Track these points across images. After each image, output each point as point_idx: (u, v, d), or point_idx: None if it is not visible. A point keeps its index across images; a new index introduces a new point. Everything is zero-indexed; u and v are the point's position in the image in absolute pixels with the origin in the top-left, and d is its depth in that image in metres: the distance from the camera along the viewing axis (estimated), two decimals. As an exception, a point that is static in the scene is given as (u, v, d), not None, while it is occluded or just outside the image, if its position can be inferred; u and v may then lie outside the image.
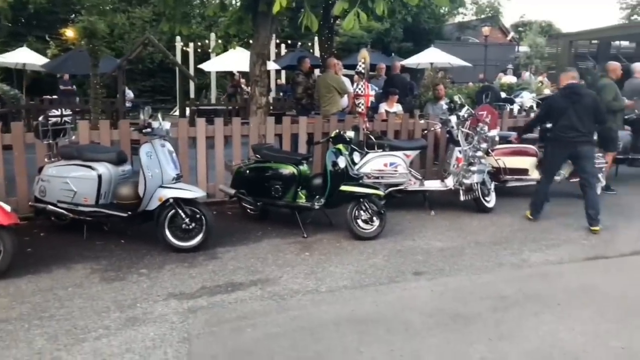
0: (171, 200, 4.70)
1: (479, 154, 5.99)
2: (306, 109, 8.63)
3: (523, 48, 26.20)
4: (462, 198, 6.16)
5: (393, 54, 22.50)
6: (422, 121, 6.56)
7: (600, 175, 7.01)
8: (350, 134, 5.31)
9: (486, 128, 6.19)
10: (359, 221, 5.20)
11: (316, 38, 20.11)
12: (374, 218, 5.21)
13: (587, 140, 5.61)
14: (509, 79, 18.03)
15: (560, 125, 5.59)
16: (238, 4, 8.60)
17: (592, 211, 5.61)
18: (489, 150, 6.82)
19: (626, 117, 8.41)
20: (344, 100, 8.78)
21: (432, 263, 4.63)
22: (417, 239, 5.32)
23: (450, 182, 6.16)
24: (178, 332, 3.32)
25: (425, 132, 6.82)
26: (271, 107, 10.47)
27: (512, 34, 28.43)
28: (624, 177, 8.30)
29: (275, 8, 5.64)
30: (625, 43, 23.22)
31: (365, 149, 6.12)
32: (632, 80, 9.21)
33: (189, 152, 6.28)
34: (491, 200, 6.33)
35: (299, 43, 18.85)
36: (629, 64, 9.69)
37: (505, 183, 6.88)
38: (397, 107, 9.10)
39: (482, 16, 26.75)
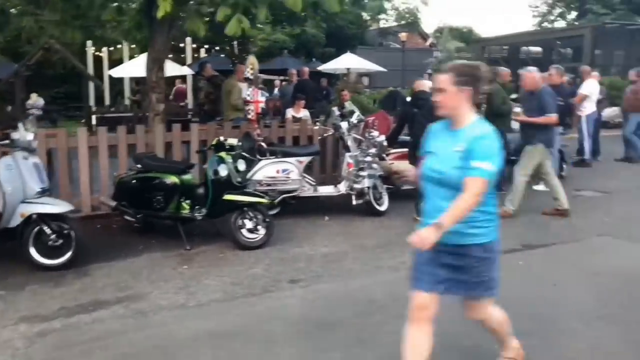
0: (35, 216, 4.42)
1: (369, 158, 6.06)
2: (209, 115, 8.49)
3: (438, 53, 27.25)
4: (354, 202, 6.22)
5: (314, 59, 22.69)
6: (316, 127, 6.57)
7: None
8: (232, 141, 5.22)
9: (375, 133, 6.28)
10: (244, 230, 5.11)
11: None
12: (260, 227, 5.14)
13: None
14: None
15: (416, 134, 5.72)
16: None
17: None
18: (384, 154, 6.95)
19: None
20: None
21: (312, 270, 4.61)
22: (305, 245, 5.30)
23: (342, 187, 6.21)
24: (18, 360, 3.09)
25: (320, 137, 6.83)
26: (178, 114, 10.20)
27: (430, 39, 29.46)
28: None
29: (160, 13, 5.48)
30: (535, 48, 24.60)
31: (258, 156, 6.05)
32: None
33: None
34: (383, 204, 6.43)
35: (217, 47, 18.55)
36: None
37: (400, 187, 7.01)
38: (304, 113, 9.13)
39: (402, 22, 27.54)
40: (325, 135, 6.63)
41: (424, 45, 30.20)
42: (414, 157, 5.91)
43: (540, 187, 7.82)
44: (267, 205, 5.25)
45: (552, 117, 6.10)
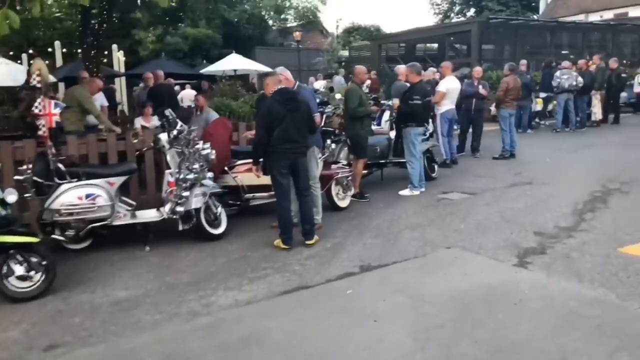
0: None
1: (192, 176, 5.19)
2: (33, 128, 7.26)
3: (343, 52, 26.98)
4: (180, 227, 5.33)
5: (205, 61, 21.58)
6: (135, 140, 5.61)
7: (349, 184, 6.71)
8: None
9: (205, 145, 5.43)
10: (12, 278, 4.07)
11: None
12: (35, 272, 4.13)
13: (304, 151, 5.10)
14: (320, 84, 18.09)
15: (277, 136, 4.98)
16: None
17: (307, 226, 5.16)
18: (226, 167, 6.13)
19: (386, 120, 8.38)
20: (90, 118, 7.64)
21: (86, 327, 3.67)
22: (99, 289, 4.34)
23: (166, 210, 5.29)
24: None
25: (139, 152, 5.85)
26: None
27: (329, 38, 29.14)
28: (389, 181, 8.14)
29: None
30: (432, 45, 24.85)
31: (57, 180, 5.00)
32: (397, 83, 9.28)
33: None
34: (220, 226, 5.60)
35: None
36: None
37: (248, 202, 6.22)
38: (156, 122, 8.11)
39: (302, 22, 26.99)
40: (145, 149, 5.68)
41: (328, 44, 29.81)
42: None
43: (404, 192, 7.34)
44: (44, 244, 4.24)
45: (318, 117, 5.70)
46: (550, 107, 14.34)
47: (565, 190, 7.09)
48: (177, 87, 17.09)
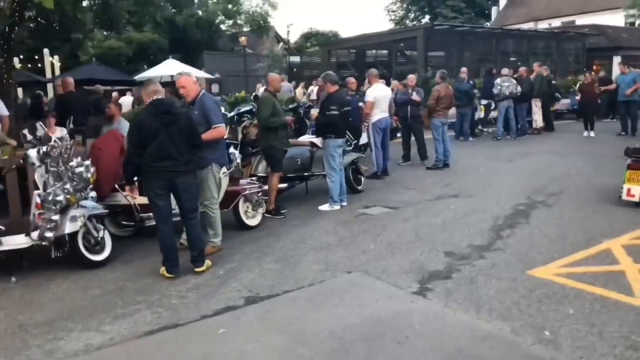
0: None
1: (62, 197, 4.61)
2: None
3: (295, 58, 26.57)
4: (52, 255, 4.74)
5: (145, 67, 20.81)
6: (4, 157, 4.98)
7: (260, 201, 6.23)
8: None
9: (84, 162, 4.86)
10: None
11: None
12: None
13: (186, 170, 4.58)
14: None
15: (150, 153, 4.46)
16: None
17: (195, 252, 4.66)
18: (117, 185, 5.56)
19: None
20: None
21: None
22: None
23: (34, 236, 4.69)
24: None
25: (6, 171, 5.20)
26: None
27: (281, 44, 28.72)
28: (316, 194, 7.71)
29: None
30: (383, 52, 24.66)
31: None
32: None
33: None
34: (103, 252, 5.03)
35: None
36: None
37: (144, 222, 5.66)
38: (61, 132, 7.45)
39: (253, 27, 26.47)
40: (11, 167, 5.05)
41: (280, 49, 29.35)
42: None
43: (323, 207, 6.92)
44: None
45: (221, 129, 5.07)
46: (494, 114, 14.27)
47: (489, 203, 6.80)
48: (115, 94, 16.37)
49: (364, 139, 10.11)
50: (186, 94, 5.04)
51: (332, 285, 4.40)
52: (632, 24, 25.99)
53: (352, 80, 9.69)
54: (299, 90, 18.37)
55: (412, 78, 9.92)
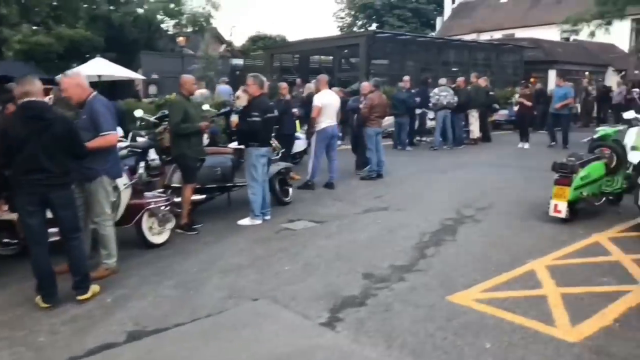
0: None
1: None
2: None
3: (238, 61, 25.87)
4: None
5: (74, 65, 19.60)
6: None
7: (167, 216, 5.65)
8: None
9: None
10: None
11: None
12: None
13: (62, 183, 3.97)
14: (203, 92, 16.90)
15: (19, 164, 3.83)
16: None
17: (77, 277, 4.07)
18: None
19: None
20: None
21: None
22: None
23: None
24: None
25: None
26: None
27: (224, 45, 27.98)
28: (240, 206, 7.17)
29: None
30: (328, 57, 24.39)
31: None
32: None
33: None
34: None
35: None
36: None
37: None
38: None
39: (194, 28, 25.60)
40: None
41: (224, 52, 28.57)
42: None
43: (243, 221, 6.42)
44: None
45: (111, 137, 4.45)
46: (432, 123, 14.20)
47: (418, 218, 6.51)
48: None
49: (300, 147, 9.73)
50: (69, 98, 4.42)
51: (232, 316, 3.91)
52: (567, 39, 26.93)
53: (284, 85, 9.29)
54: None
55: (366, 86, 9.54)
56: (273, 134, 8.50)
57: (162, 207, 5.56)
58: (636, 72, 23.54)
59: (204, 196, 6.69)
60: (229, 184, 7.00)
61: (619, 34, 21.85)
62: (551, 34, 26.30)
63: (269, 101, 6.44)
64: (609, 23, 14.04)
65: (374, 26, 40.28)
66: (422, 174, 9.56)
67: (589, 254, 5.06)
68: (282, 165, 7.44)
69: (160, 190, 6.41)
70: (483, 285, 4.38)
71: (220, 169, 6.81)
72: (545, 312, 3.84)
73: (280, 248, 5.46)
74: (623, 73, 25.30)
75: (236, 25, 75.28)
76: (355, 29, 41.78)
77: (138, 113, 7.96)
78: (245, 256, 5.22)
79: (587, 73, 22.23)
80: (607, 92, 18.82)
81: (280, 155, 7.65)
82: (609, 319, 3.72)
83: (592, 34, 14.49)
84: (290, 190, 7.56)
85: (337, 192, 8.16)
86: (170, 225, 5.70)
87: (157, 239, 5.54)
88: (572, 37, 24.75)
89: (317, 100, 8.20)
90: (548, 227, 5.97)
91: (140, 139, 7.70)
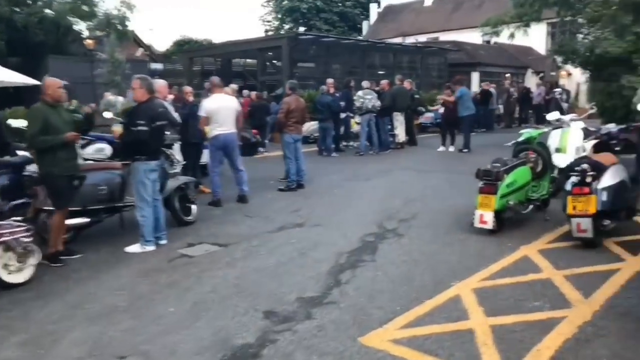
0: None
1: None
2: None
3: (157, 65, 24.48)
4: None
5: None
6: None
7: (30, 248, 4.63)
8: None
9: None
10: None
11: None
12: None
13: None
14: (115, 98, 15.61)
15: None
16: None
17: None
18: None
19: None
20: None
21: None
22: None
23: None
24: None
25: None
26: None
27: (140, 49, 26.48)
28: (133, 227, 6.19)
29: None
30: (252, 61, 23.53)
31: None
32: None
33: None
34: None
35: None
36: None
37: None
38: None
39: (109, 30, 23.91)
40: None
41: (143, 56, 27.03)
42: None
43: (132, 248, 5.49)
44: None
45: None
46: (357, 128, 13.71)
47: (336, 235, 5.84)
48: None
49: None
50: None
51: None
52: (488, 42, 27.56)
53: (188, 89, 8.40)
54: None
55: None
56: (177, 143, 7.68)
57: (22, 239, 4.54)
58: (552, 73, 24.35)
59: (87, 219, 5.69)
60: (118, 204, 6.03)
61: (536, 37, 22.46)
62: (473, 37, 26.80)
63: (158, 107, 5.52)
64: (527, 25, 14.12)
65: (301, 30, 39.81)
66: (345, 183, 8.95)
67: (518, 272, 4.56)
68: (183, 179, 6.55)
69: (32, 214, 5.39)
70: (403, 318, 3.74)
71: (106, 188, 5.83)
72: (472, 354, 3.22)
73: (170, 282, 4.59)
74: (542, 74, 26.18)
75: (154, 28, 72.79)
76: (282, 32, 41.12)
77: (16, 123, 6.84)
78: (124, 295, 4.31)
79: (508, 75, 22.70)
80: (527, 93, 19.19)
81: (180, 167, 6.75)
82: (544, 357, 3.16)
83: (512, 35, 14.55)
84: (194, 207, 6.66)
85: (249, 206, 7.36)
86: (35, 259, 4.68)
87: (15, 278, 4.51)
88: (492, 40, 25.27)
89: (203, 107, 7.30)
90: (474, 241, 5.46)
91: (20, 153, 6.63)
